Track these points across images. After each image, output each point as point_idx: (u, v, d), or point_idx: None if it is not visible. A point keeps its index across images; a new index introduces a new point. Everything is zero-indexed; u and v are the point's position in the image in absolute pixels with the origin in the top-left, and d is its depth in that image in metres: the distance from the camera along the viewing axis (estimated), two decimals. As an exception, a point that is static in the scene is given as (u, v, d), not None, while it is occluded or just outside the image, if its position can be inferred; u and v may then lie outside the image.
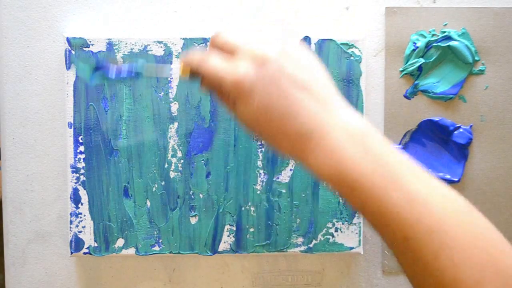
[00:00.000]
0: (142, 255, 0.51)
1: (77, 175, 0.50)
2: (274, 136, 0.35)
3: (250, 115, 0.34)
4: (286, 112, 0.33)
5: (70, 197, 0.50)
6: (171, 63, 0.50)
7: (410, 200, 0.31)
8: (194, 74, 0.37)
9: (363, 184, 0.32)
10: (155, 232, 0.51)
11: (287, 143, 0.34)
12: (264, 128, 0.35)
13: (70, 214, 0.50)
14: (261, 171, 0.51)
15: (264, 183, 0.51)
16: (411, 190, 0.31)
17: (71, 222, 0.50)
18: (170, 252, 0.51)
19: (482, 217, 0.32)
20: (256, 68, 0.34)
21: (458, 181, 0.52)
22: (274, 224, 0.51)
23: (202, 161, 0.51)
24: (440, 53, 0.52)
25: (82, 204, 0.50)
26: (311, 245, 0.51)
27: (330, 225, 0.51)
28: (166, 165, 0.51)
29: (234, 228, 0.51)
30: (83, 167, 0.50)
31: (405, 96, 0.52)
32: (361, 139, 0.33)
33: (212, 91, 0.38)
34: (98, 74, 0.42)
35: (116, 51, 0.50)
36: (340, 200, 0.51)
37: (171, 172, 0.51)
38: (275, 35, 0.36)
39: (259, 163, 0.51)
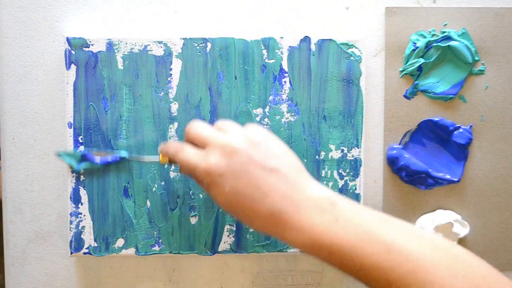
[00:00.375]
0: (142, 255, 0.51)
1: (77, 175, 0.50)
2: (247, 216, 0.37)
3: (222, 199, 0.37)
4: (256, 195, 0.36)
5: (70, 197, 0.50)
6: (171, 63, 0.50)
7: (387, 250, 0.33)
8: (172, 162, 0.43)
9: (339, 246, 0.34)
10: (155, 232, 0.51)
11: (260, 223, 0.37)
12: (236, 210, 0.37)
13: (70, 214, 0.50)
14: (261, 171, 0.51)
15: (264, 183, 0.51)
16: (387, 240, 0.33)
17: (71, 222, 0.50)
18: (170, 252, 0.51)
19: (457, 246, 0.35)
20: (226, 158, 0.37)
21: (458, 181, 0.52)
22: (274, 224, 0.51)
23: (202, 161, 0.51)
24: (440, 53, 0.52)
25: (82, 204, 0.50)
26: (311, 245, 0.51)
27: (330, 225, 0.51)
28: (166, 165, 0.51)
29: (234, 228, 0.51)
30: (83, 167, 0.50)
31: (405, 96, 0.52)
32: (330, 207, 0.35)
33: (189, 175, 0.42)
34: (84, 163, 0.49)
35: (116, 51, 0.50)
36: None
37: (171, 172, 0.51)
38: (244, 127, 0.40)
39: (259, 163, 0.51)
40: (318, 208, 0.35)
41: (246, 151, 0.37)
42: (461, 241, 0.53)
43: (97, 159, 0.49)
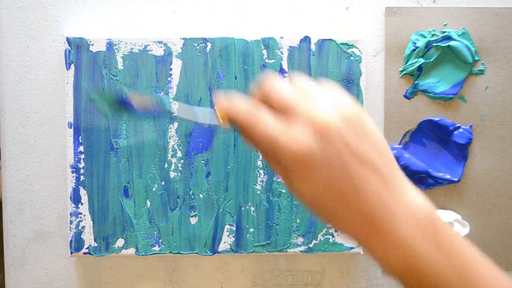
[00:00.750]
0: (142, 255, 0.51)
1: (77, 175, 0.50)
2: (337, 217, 0.31)
3: (310, 193, 0.31)
4: (351, 192, 0.30)
5: (70, 197, 0.50)
6: (171, 63, 0.50)
7: None
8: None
9: (434, 280, 0.30)
10: (155, 232, 0.51)
11: (351, 226, 0.31)
12: (326, 208, 0.31)
13: (70, 214, 0.50)
14: (261, 171, 0.51)
15: (264, 183, 0.51)
16: (484, 286, 0.29)
17: (71, 222, 0.50)
18: (170, 252, 0.51)
19: None
20: (318, 139, 0.29)
21: (458, 181, 0.52)
22: (274, 224, 0.51)
23: (202, 161, 0.51)
24: (440, 53, 0.52)
25: (82, 204, 0.50)
26: (311, 245, 0.51)
27: (330, 225, 0.51)
28: (166, 165, 0.51)
29: (234, 228, 0.51)
30: (83, 167, 0.50)
31: (405, 96, 0.52)
32: (431, 227, 0.30)
33: (258, 151, 0.33)
34: (119, 108, 0.36)
35: (116, 51, 0.50)
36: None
37: (171, 172, 0.51)
38: (329, 90, 0.32)
39: (259, 163, 0.51)
40: (418, 224, 0.30)
41: (341, 132, 0.30)
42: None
43: (137, 106, 0.36)
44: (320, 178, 0.30)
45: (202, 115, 0.35)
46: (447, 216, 0.51)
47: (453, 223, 0.51)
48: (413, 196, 0.31)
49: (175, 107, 0.36)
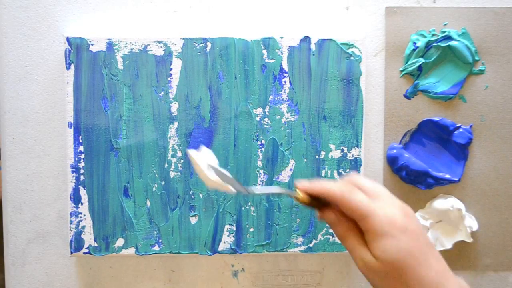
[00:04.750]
0: (142, 255, 0.51)
1: (77, 175, 0.50)
2: (408, 283, 0.36)
3: (394, 255, 0.35)
4: (425, 261, 0.36)
5: (70, 197, 0.50)
6: (171, 63, 0.50)
7: None
8: (314, 203, 0.39)
9: None
10: (155, 232, 0.51)
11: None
12: (403, 273, 0.36)
13: (70, 214, 0.50)
14: (261, 171, 0.51)
15: (264, 183, 0.51)
16: None
17: (71, 222, 0.50)
18: (170, 252, 0.51)
19: None
20: (404, 216, 0.36)
21: (458, 181, 0.52)
22: (274, 224, 0.51)
23: (202, 161, 0.51)
24: (440, 53, 0.52)
25: (82, 204, 0.50)
26: (311, 245, 0.51)
27: (330, 225, 0.51)
28: (166, 165, 0.51)
29: (234, 228, 0.51)
30: (83, 167, 0.50)
31: (405, 96, 0.52)
32: None
33: (333, 224, 0.39)
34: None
35: (116, 51, 0.50)
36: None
37: (171, 172, 0.51)
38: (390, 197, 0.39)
39: (259, 163, 0.51)
40: None
41: (415, 219, 0.37)
42: (472, 235, 0.53)
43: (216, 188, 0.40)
44: (407, 241, 0.35)
45: (284, 192, 0.41)
46: (448, 203, 0.52)
47: (465, 216, 0.51)
48: (459, 279, 0.36)
49: (251, 190, 0.41)
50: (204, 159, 0.40)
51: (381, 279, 0.36)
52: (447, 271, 0.36)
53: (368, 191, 0.38)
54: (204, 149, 0.41)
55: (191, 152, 0.40)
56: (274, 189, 0.44)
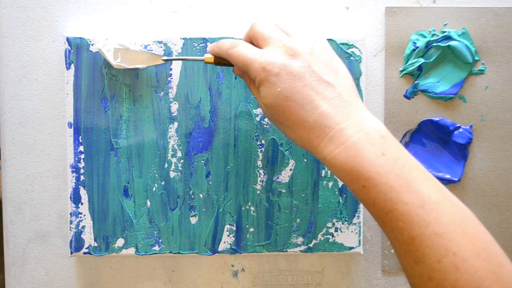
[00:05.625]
0: (142, 255, 0.51)
1: (77, 175, 0.50)
2: (291, 125, 0.36)
3: (272, 100, 0.36)
4: (307, 103, 0.35)
5: (70, 197, 0.50)
6: (171, 63, 0.50)
7: (421, 204, 0.32)
8: (221, 62, 0.42)
9: (377, 182, 0.33)
10: (155, 232, 0.51)
11: (303, 134, 0.36)
12: (283, 115, 0.36)
13: (70, 214, 0.50)
14: (261, 171, 0.51)
15: (264, 183, 0.51)
16: (423, 194, 0.32)
17: (71, 222, 0.50)
18: (170, 252, 0.51)
19: (485, 230, 0.33)
20: (285, 58, 0.36)
21: (458, 181, 0.52)
22: (274, 224, 0.51)
23: (202, 161, 0.51)
24: (440, 53, 0.52)
25: (82, 204, 0.50)
26: (311, 245, 0.51)
27: (330, 225, 0.51)
28: (166, 165, 0.51)
29: (234, 228, 0.51)
30: (83, 167, 0.50)
31: (405, 96, 0.52)
32: (379, 140, 0.34)
33: (242, 76, 0.42)
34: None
35: (116, 51, 0.50)
36: (340, 200, 0.51)
37: (171, 172, 0.51)
38: (308, 32, 0.38)
39: (259, 163, 0.51)
40: (367, 135, 0.34)
41: (307, 58, 0.36)
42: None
43: (127, 62, 0.47)
44: (282, 85, 0.35)
45: (190, 58, 0.46)
46: None
47: None
48: (367, 116, 0.36)
49: (165, 56, 0.47)
50: (109, 46, 0.46)
51: (273, 121, 0.38)
52: (340, 114, 0.35)
53: (260, 38, 0.38)
54: (110, 41, 0.47)
55: (99, 47, 0.46)
56: (184, 58, 0.47)
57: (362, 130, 0.34)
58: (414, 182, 0.33)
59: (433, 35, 0.52)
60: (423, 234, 0.31)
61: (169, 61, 0.48)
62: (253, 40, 0.40)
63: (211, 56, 0.43)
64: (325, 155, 0.35)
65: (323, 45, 0.38)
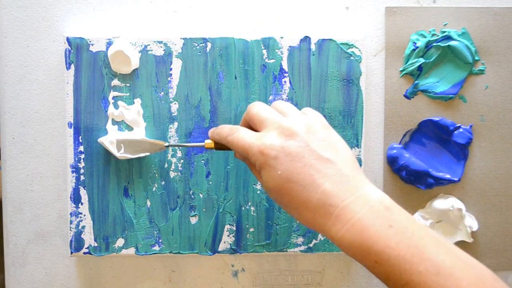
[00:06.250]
0: (142, 255, 0.51)
1: (77, 175, 0.50)
2: (296, 205, 0.36)
3: (273, 183, 0.36)
4: (309, 183, 0.35)
5: (70, 197, 0.50)
6: (171, 63, 0.50)
7: (437, 271, 0.31)
8: (221, 146, 0.43)
9: (389, 256, 0.32)
10: (155, 232, 0.51)
11: (308, 213, 0.35)
12: (286, 197, 0.36)
13: (70, 214, 0.50)
14: (261, 171, 0.51)
15: (264, 183, 0.51)
16: (437, 261, 0.32)
17: (71, 222, 0.50)
18: (170, 252, 0.51)
19: (503, 285, 0.34)
20: (282, 139, 0.36)
21: (458, 181, 0.52)
22: (274, 224, 0.51)
23: (202, 161, 0.51)
24: (440, 53, 0.52)
25: (82, 204, 0.50)
26: (311, 245, 0.51)
27: (330, 225, 0.51)
28: (166, 165, 0.51)
29: (234, 228, 0.51)
30: (83, 167, 0.50)
31: (405, 96, 0.52)
32: (385, 212, 0.34)
33: (244, 160, 0.42)
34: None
35: (116, 51, 0.50)
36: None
37: (171, 172, 0.51)
38: (303, 112, 0.39)
39: (259, 163, 0.51)
40: (372, 209, 0.34)
41: (304, 137, 0.36)
42: (473, 235, 0.53)
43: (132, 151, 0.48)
44: (282, 167, 0.35)
45: (191, 145, 0.48)
46: (448, 203, 0.52)
47: (465, 215, 0.51)
48: (371, 189, 0.35)
49: (168, 143, 0.48)
50: (111, 138, 0.47)
51: (277, 203, 0.38)
52: (343, 191, 0.34)
53: (256, 122, 0.39)
54: (111, 133, 0.48)
55: (101, 140, 0.48)
56: (187, 144, 0.48)
57: (367, 204, 0.34)
58: (425, 249, 0.32)
59: (433, 35, 0.52)
60: None
61: (171, 146, 0.49)
62: (250, 124, 0.40)
63: (210, 141, 0.44)
64: (332, 235, 0.34)
65: (319, 121, 0.38)
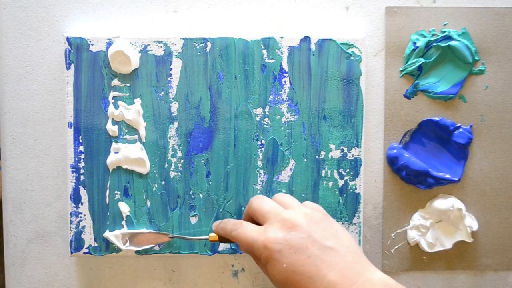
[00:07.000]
0: (142, 255, 0.51)
1: (77, 175, 0.50)
2: None
3: (279, 276, 0.36)
4: (314, 273, 0.35)
5: (70, 197, 0.50)
6: (171, 63, 0.50)
7: None
8: (225, 239, 0.45)
9: None
10: (155, 232, 0.51)
11: None
12: (293, 287, 0.36)
13: (70, 214, 0.50)
14: (261, 171, 0.51)
15: (264, 183, 0.51)
16: None
17: (71, 222, 0.50)
18: (170, 252, 0.51)
19: None
20: (285, 232, 0.37)
21: (458, 181, 0.52)
22: (274, 224, 0.51)
23: (202, 161, 0.51)
24: (440, 53, 0.52)
25: (82, 204, 0.50)
26: (311, 245, 0.51)
27: (330, 225, 0.51)
28: (166, 165, 0.51)
29: (234, 228, 0.51)
30: (83, 167, 0.50)
31: (405, 96, 0.52)
32: None
33: (247, 252, 0.42)
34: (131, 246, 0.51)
35: (116, 51, 0.50)
36: (340, 200, 0.51)
37: (171, 172, 0.51)
38: (304, 204, 0.40)
39: (259, 163, 0.51)
40: None
41: (306, 228, 0.37)
42: (473, 235, 0.53)
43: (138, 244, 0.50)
44: (286, 260, 0.36)
45: (196, 238, 0.49)
46: (448, 203, 0.52)
47: (465, 215, 0.51)
48: (373, 274, 0.36)
49: (172, 234, 0.50)
50: (115, 233, 0.49)
51: None
52: (348, 278, 0.35)
53: (258, 216, 0.40)
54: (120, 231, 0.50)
55: (106, 235, 0.49)
56: (191, 238, 0.49)
57: (371, 285, 0.35)
58: None
59: (433, 35, 0.52)
60: None
61: (176, 238, 0.50)
62: (253, 217, 0.41)
63: (214, 234, 0.46)
64: None
65: (318, 211, 0.39)
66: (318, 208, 0.40)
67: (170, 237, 0.49)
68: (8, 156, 0.52)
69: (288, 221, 0.37)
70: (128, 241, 0.50)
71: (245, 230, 0.40)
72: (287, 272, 0.36)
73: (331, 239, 0.37)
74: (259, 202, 0.41)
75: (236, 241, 0.41)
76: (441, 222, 0.53)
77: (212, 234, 0.46)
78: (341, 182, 0.51)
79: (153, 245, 0.50)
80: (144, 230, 0.49)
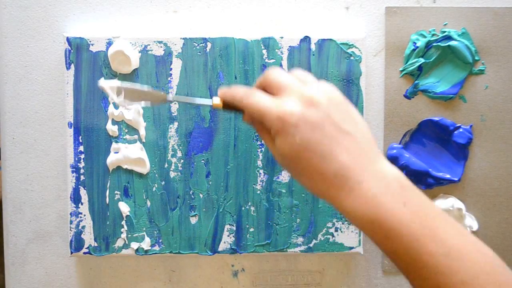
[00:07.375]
0: (142, 255, 0.51)
1: (77, 175, 0.50)
2: (310, 175, 0.35)
3: (289, 150, 0.35)
4: (327, 153, 0.34)
5: (70, 197, 0.50)
6: (171, 63, 0.50)
7: (447, 253, 0.32)
8: (230, 107, 0.40)
9: (400, 233, 0.32)
10: (155, 232, 0.51)
11: (323, 184, 0.35)
12: (300, 166, 0.35)
13: (70, 214, 0.50)
14: (261, 171, 0.51)
15: (264, 183, 0.51)
16: (448, 243, 0.32)
17: (71, 222, 0.50)
18: (170, 252, 0.51)
19: (511, 271, 0.33)
20: (304, 107, 0.35)
21: (458, 181, 0.52)
22: (274, 224, 0.51)
23: (202, 161, 0.51)
24: (440, 53, 0.52)
25: (82, 204, 0.50)
26: (311, 245, 0.51)
27: (330, 224, 0.51)
28: (166, 165, 0.51)
29: (234, 228, 0.51)
30: (83, 167, 0.50)
31: (405, 96, 0.52)
32: (400, 190, 0.34)
33: (252, 124, 0.39)
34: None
35: (116, 51, 0.50)
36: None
37: (171, 172, 0.51)
38: (325, 85, 0.38)
39: (259, 163, 0.51)
40: (388, 186, 0.34)
41: (325, 107, 0.35)
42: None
43: (130, 99, 0.43)
44: (301, 135, 0.34)
45: (199, 101, 0.42)
46: (448, 203, 0.52)
47: (465, 215, 0.51)
48: (387, 166, 0.35)
49: (173, 97, 0.43)
50: (112, 84, 0.43)
51: (288, 171, 0.37)
52: (360, 165, 0.34)
53: (275, 87, 0.37)
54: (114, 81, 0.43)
55: (101, 84, 0.42)
56: (189, 99, 0.43)
57: (383, 180, 0.34)
58: (437, 230, 0.32)
59: (433, 35, 0.52)
60: (450, 282, 0.31)
61: (174, 101, 0.45)
62: (267, 89, 0.38)
63: (219, 100, 0.40)
64: (344, 207, 0.34)
65: (339, 94, 0.37)
66: (337, 91, 0.37)
67: (168, 100, 0.43)
68: (8, 156, 0.52)
69: (308, 97, 0.35)
70: (123, 95, 0.43)
71: (259, 98, 0.36)
72: (300, 147, 0.34)
73: (349, 124, 0.35)
74: (278, 73, 0.38)
75: (247, 109, 0.37)
76: (441, 222, 0.53)
77: (217, 100, 0.40)
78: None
79: (149, 104, 0.44)
80: (145, 87, 0.43)
